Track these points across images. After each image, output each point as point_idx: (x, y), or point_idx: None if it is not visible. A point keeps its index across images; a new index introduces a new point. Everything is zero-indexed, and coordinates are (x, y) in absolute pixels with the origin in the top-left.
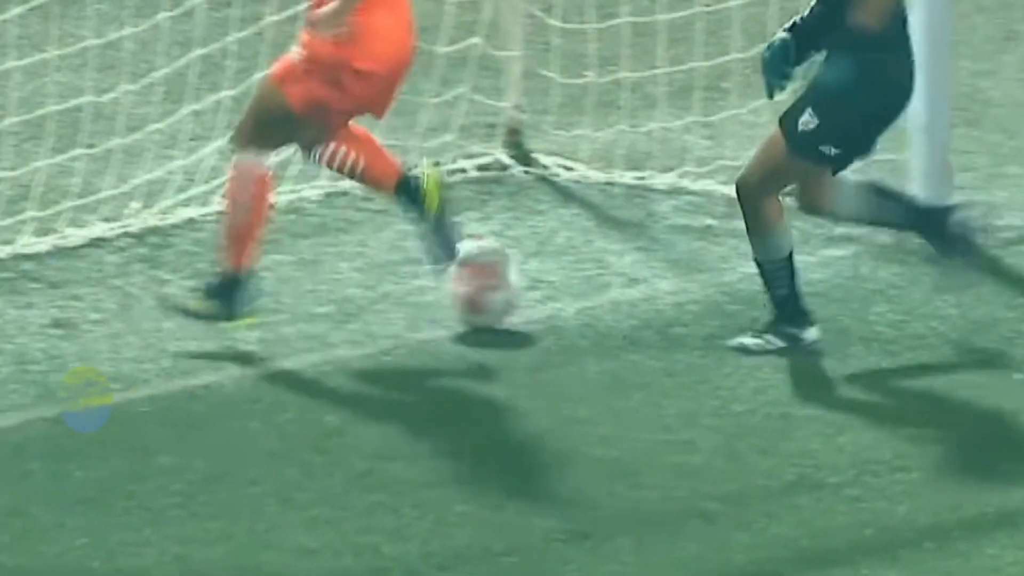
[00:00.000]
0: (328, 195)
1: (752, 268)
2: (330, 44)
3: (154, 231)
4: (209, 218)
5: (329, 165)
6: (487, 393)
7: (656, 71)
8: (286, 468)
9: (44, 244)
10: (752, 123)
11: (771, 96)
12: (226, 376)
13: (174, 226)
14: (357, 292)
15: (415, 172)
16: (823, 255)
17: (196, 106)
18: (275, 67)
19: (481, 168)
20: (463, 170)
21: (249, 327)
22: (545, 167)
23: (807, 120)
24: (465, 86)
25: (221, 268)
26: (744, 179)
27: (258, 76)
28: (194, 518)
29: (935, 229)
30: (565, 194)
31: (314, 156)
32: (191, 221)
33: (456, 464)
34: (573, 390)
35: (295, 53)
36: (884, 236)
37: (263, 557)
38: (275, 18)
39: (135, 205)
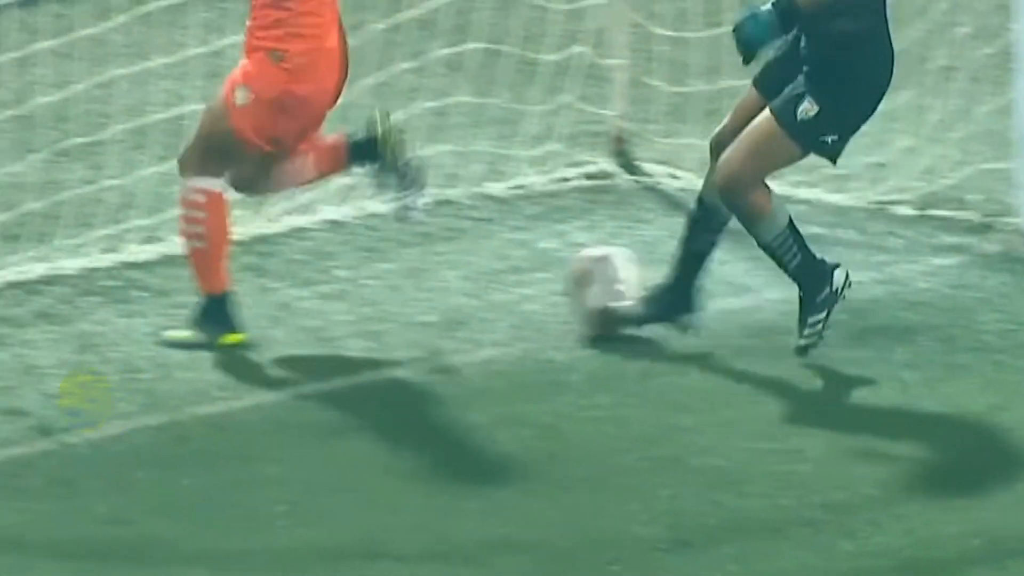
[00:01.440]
0: (434, 204)
1: (859, 278)
2: (272, 75)
3: (261, 239)
4: (316, 226)
5: (296, 185)
6: (593, 401)
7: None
8: (392, 477)
9: (150, 252)
10: (860, 132)
11: (746, 63)
12: (332, 385)
13: (280, 234)
14: (463, 300)
15: (363, 129)
16: (930, 264)
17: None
18: (222, 96)
19: (587, 177)
20: (568, 179)
21: (238, 344)
22: (651, 176)
23: (807, 108)
24: (570, 95)
25: (199, 295)
26: (733, 174)
27: (364, 84)
28: (300, 526)
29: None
30: (671, 203)
31: (267, 187)
32: (298, 229)
33: (561, 473)
34: (679, 398)
35: (239, 88)
36: (991, 245)
37: (368, 566)
38: (379, 26)
39: (241, 213)
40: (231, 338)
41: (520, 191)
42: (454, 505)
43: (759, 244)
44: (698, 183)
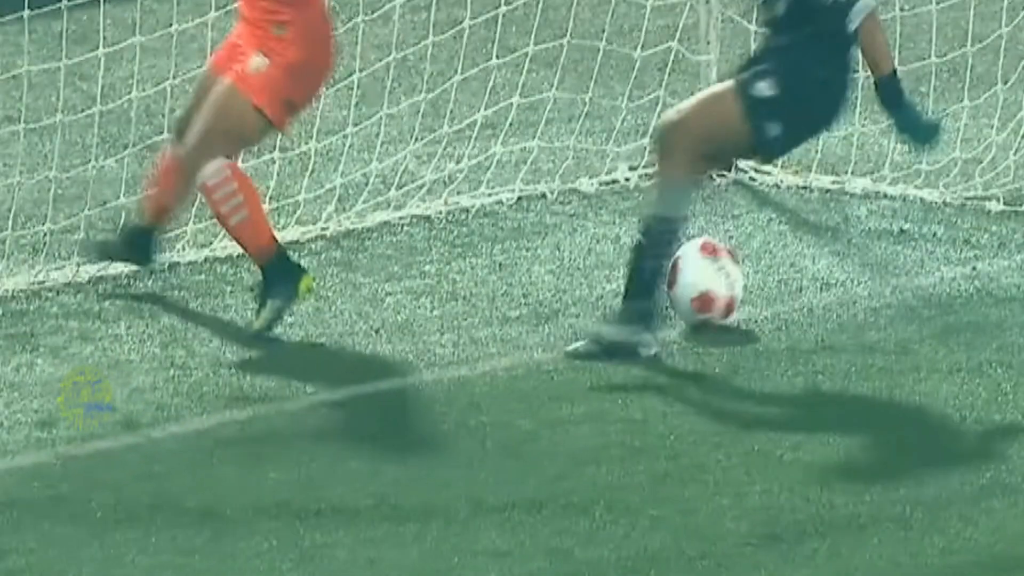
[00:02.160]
0: (522, 199)
1: (949, 272)
2: (279, 44)
3: (348, 234)
4: (404, 221)
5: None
6: (679, 397)
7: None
8: (479, 471)
9: (239, 248)
10: (950, 127)
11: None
12: (419, 379)
13: (368, 229)
14: (551, 295)
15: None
16: (1020, 259)
17: (391, 110)
18: (237, 78)
19: None
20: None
21: (310, 291)
22: (741, 171)
23: (765, 87)
24: (661, 90)
25: (260, 265)
26: (678, 123)
27: (455, 80)
28: (386, 520)
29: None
30: (761, 198)
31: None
32: (386, 224)
33: (648, 468)
34: (767, 393)
35: (254, 56)
36: None
37: (455, 560)
38: (473, 22)
39: (330, 208)
40: (306, 283)
41: (610, 186)
42: (537, 500)
43: (646, 215)
44: (787, 179)
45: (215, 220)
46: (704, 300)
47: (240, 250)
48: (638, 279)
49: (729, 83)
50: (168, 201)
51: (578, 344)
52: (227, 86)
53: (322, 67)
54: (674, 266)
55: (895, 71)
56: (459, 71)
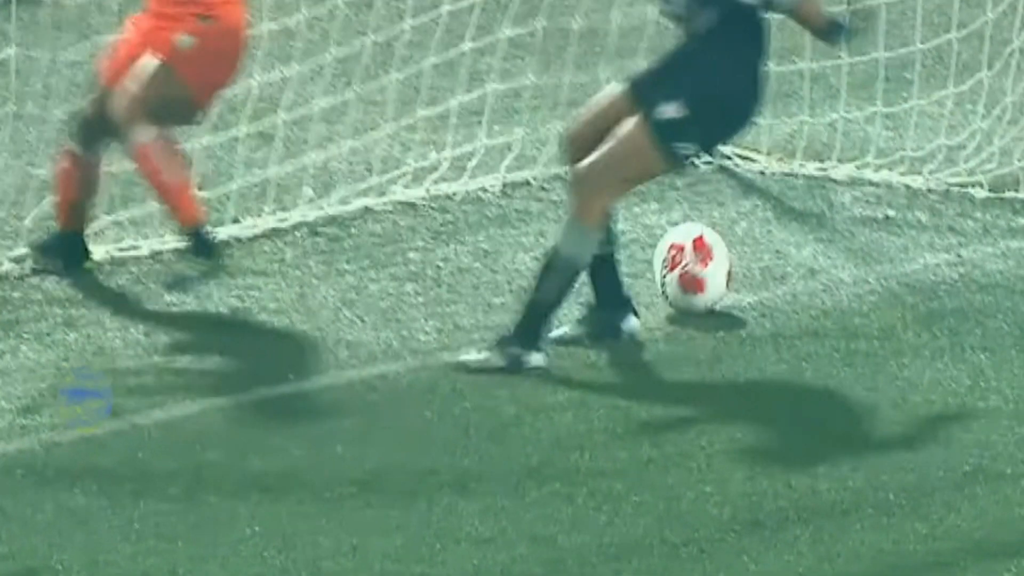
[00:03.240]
0: (506, 186)
1: (933, 259)
2: (204, 27)
3: (332, 221)
4: (388, 208)
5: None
6: (664, 382)
7: (839, 61)
8: (462, 458)
9: (222, 235)
10: (935, 114)
11: None
12: (403, 366)
13: (352, 216)
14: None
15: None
16: (1004, 246)
17: (375, 96)
18: (151, 60)
19: None
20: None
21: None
22: (726, 158)
23: (673, 111)
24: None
25: (183, 231)
26: (591, 168)
27: (440, 67)
28: (370, 507)
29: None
30: (745, 185)
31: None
32: (369, 211)
33: (632, 454)
34: (750, 380)
35: (181, 36)
36: None
37: (438, 546)
38: (454, 7)
39: (311, 194)
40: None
41: None
42: (519, 487)
43: (553, 249)
44: (772, 165)
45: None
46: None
47: (223, 237)
48: (527, 311)
49: (635, 118)
50: (79, 197)
51: (469, 357)
52: (149, 63)
53: (242, 50)
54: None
55: (836, 21)
56: (443, 58)
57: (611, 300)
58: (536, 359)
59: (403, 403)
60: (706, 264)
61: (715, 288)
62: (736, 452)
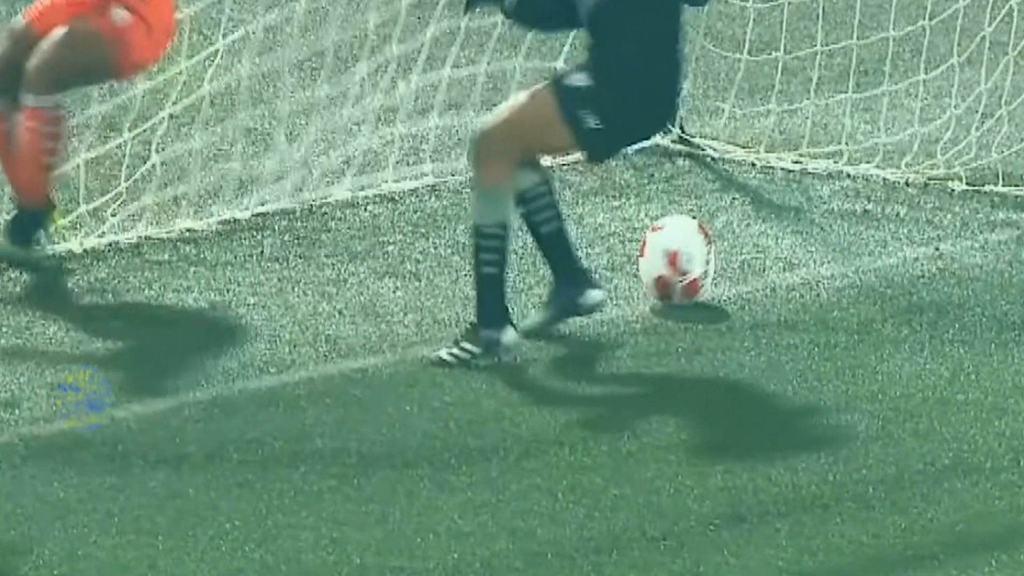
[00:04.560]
0: None
1: (911, 253)
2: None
3: (311, 214)
4: (367, 200)
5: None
6: (643, 376)
7: (814, 50)
8: (442, 452)
9: (202, 226)
10: (912, 108)
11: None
12: (383, 360)
13: (331, 208)
14: (514, 276)
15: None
16: (982, 239)
17: (355, 88)
18: (84, 26)
19: (641, 151)
20: (624, 153)
21: (63, 227)
22: (704, 151)
23: (579, 79)
24: None
25: (23, 207)
26: (489, 128)
27: (420, 59)
28: (350, 501)
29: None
30: (724, 178)
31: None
32: (348, 203)
33: (611, 448)
34: (729, 374)
35: (116, 9)
36: None
37: (419, 540)
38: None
39: (291, 186)
40: (56, 223)
41: (572, 166)
42: (500, 481)
43: (471, 224)
44: (750, 159)
45: (174, 201)
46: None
47: (201, 228)
48: (478, 292)
49: (543, 85)
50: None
51: (442, 352)
52: (80, 29)
53: (169, 30)
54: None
55: None
56: (423, 49)
57: (567, 276)
58: (509, 335)
59: (383, 397)
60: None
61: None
62: (715, 446)
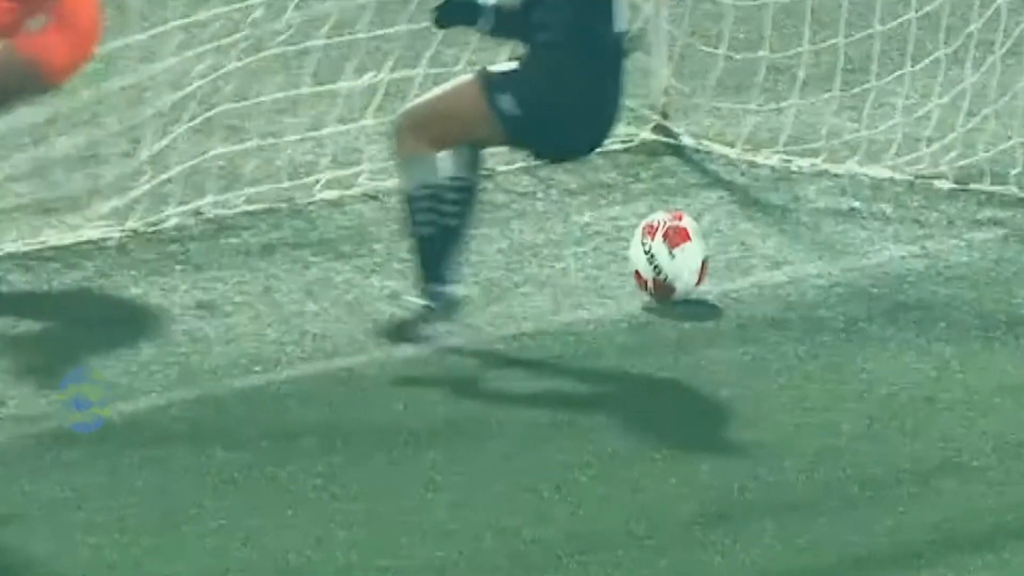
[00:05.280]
0: None
1: (896, 252)
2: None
3: (298, 212)
4: (354, 199)
5: None
6: (629, 375)
7: (801, 50)
8: (428, 451)
9: (188, 225)
10: (898, 106)
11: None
12: (369, 359)
13: (318, 207)
14: (500, 275)
15: None
16: (968, 238)
17: (341, 87)
18: (14, 41)
19: (628, 150)
20: (609, 152)
21: None
22: (691, 149)
23: (504, 65)
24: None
25: None
26: (414, 105)
27: (406, 57)
28: (336, 500)
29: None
30: (711, 176)
31: None
32: (335, 202)
33: (597, 447)
34: (715, 372)
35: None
36: None
37: (404, 539)
38: None
39: (280, 186)
40: None
41: (560, 165)
42: (485, 480)
43: (402, 192)
44: (737, 157)
45: (161, 200)
46: (637, 278)
47: (187, 227)
48: (418, 252)
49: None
50: None
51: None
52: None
53: (94, 37)
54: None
55: None
56: (409, 48)
57: (433, 273)
58: (454, 289)
59: (369, 396)
60: (682, 218)
61: (698, 237)
62: (701, 445)
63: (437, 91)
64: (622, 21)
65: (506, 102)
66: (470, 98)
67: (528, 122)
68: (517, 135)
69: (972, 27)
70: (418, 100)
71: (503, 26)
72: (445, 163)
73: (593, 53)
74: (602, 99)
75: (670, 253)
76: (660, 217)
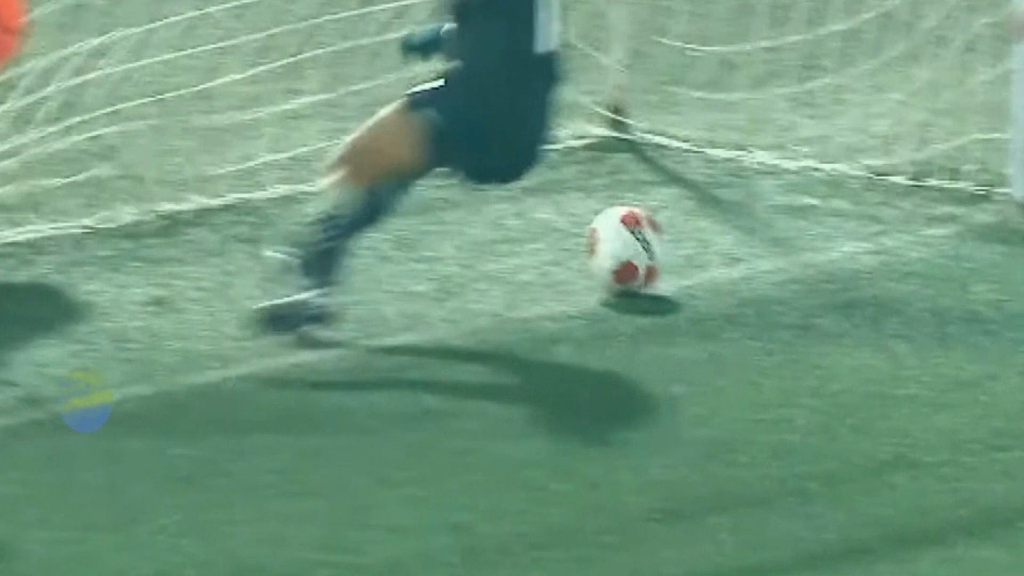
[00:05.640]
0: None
1: (851, 248)
2: None
3: (255, 209)
4: (309, 196)
5: None
6: (584, 371)
7: (757, 46)
8: (383, 447)
9: (144, 221)
10: (855, 102)
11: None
12: (324, 355)
13: (274, 204)
14: (456, 271)
15: None
16: (923, 235)
17: (298, 84)
18: None
19: (584, 147)
20: (565, 148)
21: None
22: (646, 145)
23: (429, 84)
24: (568, 64)
25: None
26: (353, 138)
27: (362, 55)
28: (290, 496)
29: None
30: (666, 173)
31: None
32: (292, 199)
33: (552, 443)
34: (670, 368)
35: None
36: (985, 216)
37: (358, 535)
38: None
39: (236, 183)
40: None
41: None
42: (439, 476)
43: (323, 213)
44: (693, 153)
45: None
46: (625, 270)
47: (142, 223)
48: (308, 258)
49: None
50: None
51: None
52: None
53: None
54: (593, 236)
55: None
56: (365, 45)
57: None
58: (327, 295)
59: (323, 392)
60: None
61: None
62: (656, 441)
63: (369, 121)
64: (547, 42)
65: (430, 117)
66: (397, 120)
67: (452, 137)
68: (442, 151)
69: (928, 24)
70: (354, 134)
71: (448, 48)
72: (374, 197)
73: (513, 73)
74: (524, 120)
75: (660, 239)
76: (630, 209)
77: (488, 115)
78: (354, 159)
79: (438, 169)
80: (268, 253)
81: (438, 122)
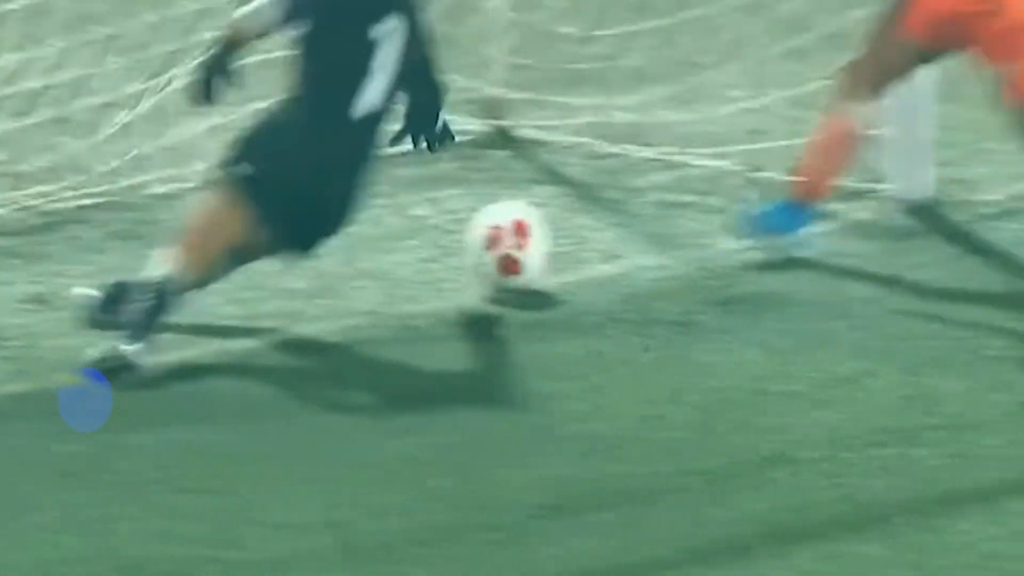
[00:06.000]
0: None
1: (732, 244)
2: None
3: (134, 205)
4: (187, 192)
5: None
6: (463, 369)
7: (638, 41)
8: (267, 443)
9: (19, 218)
10: (733, 99)
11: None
12: (203, 352)
13: (155, 199)
14: (333, 267)
15: None
16: (803, 230)
17: (181, 83)
18: None
19: (463, 143)
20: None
21: None
22: (527, 142)
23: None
24: (447, 60)
25: None
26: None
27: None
28: (175, 493)
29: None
30: (545, 169)
31: None
32: (172, 195)
33: (433, 440)
34: (550, 366)
35: None
36: (862, 213)
37: (242, 532)
38: None
39: (115, 178)
40: None
41: (398, 157)
42: (322, 473)
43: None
44: (572, 150)
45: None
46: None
47: (18, 221)
48: (132, 313)
49: None
50: None
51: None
52: None
53: None
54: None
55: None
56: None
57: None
58: (138, 349)
59: (206, 389)
60: (525, 247)
61: (533, 270)
62: (538, 437)
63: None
64: (371, 102)
65: (239, 166)
66: (217, 197)
67: (264, 183)
68: (250, 195)
69: (806, 20)
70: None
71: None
72: (209, 276)
73: (324, 130)
74: (327, 180)
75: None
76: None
77: (291, 168)
78: (187, 240)
79: (273, 235)
80: (76, 291)
81: (245, 171)
